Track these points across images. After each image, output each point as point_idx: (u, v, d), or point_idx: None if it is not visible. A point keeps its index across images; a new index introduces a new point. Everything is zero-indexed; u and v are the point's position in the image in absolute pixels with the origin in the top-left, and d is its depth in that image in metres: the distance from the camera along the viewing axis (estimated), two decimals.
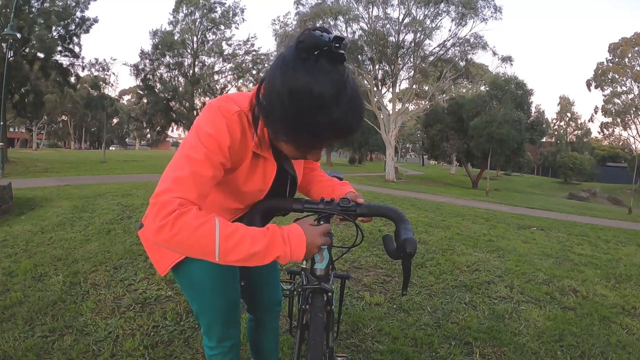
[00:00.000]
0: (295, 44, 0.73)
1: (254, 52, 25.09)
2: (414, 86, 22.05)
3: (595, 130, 61.67)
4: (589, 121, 48.97)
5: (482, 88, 23.53)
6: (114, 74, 57.71)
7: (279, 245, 0.77)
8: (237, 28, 63.50)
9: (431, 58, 19.72)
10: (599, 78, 32.75)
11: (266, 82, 0.77)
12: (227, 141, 0.81)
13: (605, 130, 37.90)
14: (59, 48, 17.30)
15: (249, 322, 1.37)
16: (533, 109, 23.56)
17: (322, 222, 0.94)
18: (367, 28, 19.18)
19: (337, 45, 0.71)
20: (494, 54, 20.10)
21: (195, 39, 24.50)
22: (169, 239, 0.72)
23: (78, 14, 17.35)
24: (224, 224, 0.75)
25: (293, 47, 0.73)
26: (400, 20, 19.00)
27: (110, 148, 47.97)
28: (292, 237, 0.80)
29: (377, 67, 19.84)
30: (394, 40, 19.12)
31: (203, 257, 0.74)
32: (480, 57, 38.87)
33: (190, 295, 1.08)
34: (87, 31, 17.82)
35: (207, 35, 24.74)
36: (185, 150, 0.79)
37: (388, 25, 19.19)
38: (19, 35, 13.44)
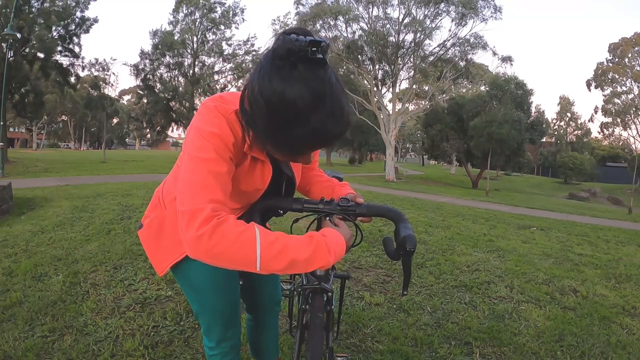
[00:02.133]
0: (272, 50, 0.70)
1: (254, 52, 25.08)
2: (414, 86, 22.05)
3: (595, 130, 61.73)
4: (589, 121, 48.99)
5: (482, 88, 23.52)
6: (114, 74, 57.70)
7: (324, 254, 0.75)
8: (237, 28, 63.57)
9: (431, 58, 19.72)
10: (599, 78, 32.75)
11: (248, 90, 0.74)
12: (231, 138, 0.80)
13: (605, 130, 37.91)
14: (59, 48, 17.32)
15: (248, 322, 1.37)
16: (533, 109, 23.56)
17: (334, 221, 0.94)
18: (367, 28, 19.19)
19: (314, 49, 0.66)
20: (494, 54, 20.12)
21: (195, 39, 24.51)
22: (209, 250, 0.68)
23: (78, 14, 17.39)
24: (263, 232, 0.72)
25: (270, 54, 0.71)
26: (400, 20, 19.01)
27: (112, 148, 48.00)
28: (335, 246, 0.77)
29: (377, 67, 19.84)
30: (394, 40, 19.12)
31: (243, 267, 0.71)
32: (480, 57, 38.95)
33: (191, 296, 1.08)
34: (87, 31, 17.84)
35: (207, 35, 24.76)
36: (194, 154, 0.76)
37: (388, 25, 19.20)
38: (19, 35, 13.44)
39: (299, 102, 0.67)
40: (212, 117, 0.79)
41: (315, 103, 0.68)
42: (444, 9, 18.31)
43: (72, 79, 19.51)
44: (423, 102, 26.31)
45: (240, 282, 0.98)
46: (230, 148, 0.79)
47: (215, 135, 0.77)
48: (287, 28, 0.74)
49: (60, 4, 16.47)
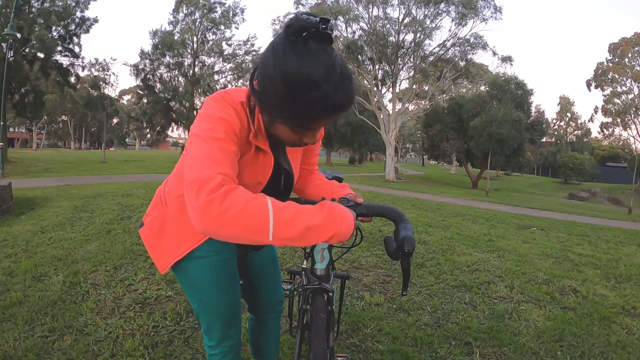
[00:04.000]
0: (284, 29, 0.75)
1: (254, 52, 25.06)
2: (414, 86, 22.05)
3: (595, 130, 61.71)
4: (589, 121, 48.92)
5: (482, 88, 23.50)
6: (114, 74, 57.75)
7: (337, 221, 0.74)
8: (237, 28, 63.52)
9: (431, 58, 19.71)
10: (599, 78, 32.74)
11: (259, 70, 0.78)
12: (238, 125, 0.82)
13: (605, 130, 37.89)
14: (59, 48, 17.33)
15: (249, 322, 1.37)
16: (533, 109, 23.55)
17: None
18: (367, 28, 19.18)
19: (323, 26, 0.73)
20: (494, 54, 20.15)
21: (195, 39, 24.49)
22: (218, 216, 0.66)
23: (78, 14, 17.40)
24: (274, 200, 0.72)
25: (282, 32, 0.75)
26: (400, 20, 19.00)
27: (111, 148, 47.96)
28: (344, 215, 0.76)
29: (377, 67, 19.83)
30: (394, 40, 19.12)
31: (254, 236, 0.69)
32: (480, 57, 38.97)
33: (191, 294, 1.09)
34: (87, 31, 17.85)
35: (207, 35, 24.73)
36: (203, 134, 0.77)
37: (388, 25, 19.19)
38: (19, 35, 13.45)
39: (313, 72, 0.72)
40: (220, 105, 0.82)
41: (327, 74, 0.73)
42: (444, 9, 18.31)
43: (72, 79, 19.54)
44: (423, 102, 26.32)
45: (241, 282, 0.98)
46: (237, 134, 0.82)
47: (224, 120, 0.80)
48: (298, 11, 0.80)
49: (60, 4, 16.47)
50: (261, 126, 0.88)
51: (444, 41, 19.25)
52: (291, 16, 0.76)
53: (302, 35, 0.72)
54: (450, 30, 28.75)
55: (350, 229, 0.77)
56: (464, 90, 25.38)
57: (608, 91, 33.11)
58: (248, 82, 0.85)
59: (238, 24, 24.94)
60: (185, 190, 0.71)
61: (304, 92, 0.73)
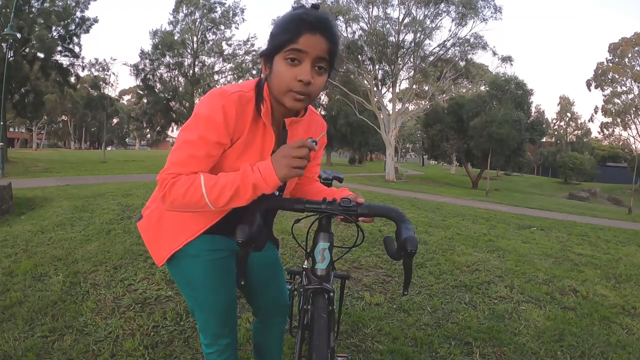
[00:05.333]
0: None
1: (254, 52, 25.08)
2: (414, 86, 22.05)
3: (595, 130, 61.68)
4: (589, 121, 48.93)
5: (482, 88, 23.52)
6: (114, 74, 57.67)
7: (250, 175, 0.87)
8: (237, 28, 63.50)
9: (431, 58, 19.71)
10: (599, 78, 32.74)
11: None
12: (221, 118, 0.89)
13: (605, 130, 37.90)
14: (59, 48, 17.33)
15: (255, 324, 1.36)
16: (533, 109, 23.60)
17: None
18: (367, 28, 19.19)
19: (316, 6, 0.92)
20: (494, 54, 20.12)
21: (195, 39, 24.51)
22: (171, 203, 0.90)
23: (78, 14, 17.40)
24: (207, 178, 0.88)
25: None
26: (400, 20, 19.00)
27: (111, 148, 47.97)
28: (260, 166, 0.88)
29: (377, 67, 19.83)
30: (394, 40, 19.12)
31: (201, 209, 0.90)
32: (480, 57, 38.97)
33: (186, 291, 1.10)
34: (87, 31, 17.85)
35: (207, 35, 24.76)
36: (182, 135, 0.92)
37: (388, 25, 19.20)
38: (19, 35, 13.45)
39: (304, 8, 0.92)
40: (209, 101, 0.91)
41: (312, 9, 0.92)
42: (444, 9, 18.31)
43: (72, 79, 19.54)
44: (423, 102, 26.33)
45: (242, 282, 0.98)
46: (220, 130, 0.90)
47: (205, 118, 0.89)
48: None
49: (60, 4, 16.47)
50: (268, 106, 0.95)
51: (444, 41, 19.28)
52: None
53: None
54: (450, 30, 28.79)
55: (270, 170, 0.87)
56: (464, 90, 25.39)
57: (608, 91, 33.13)
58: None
59: (238, 24, 25.00)
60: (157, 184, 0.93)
61: (288, 14, 0.90)
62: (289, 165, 0.85)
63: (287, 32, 0.87)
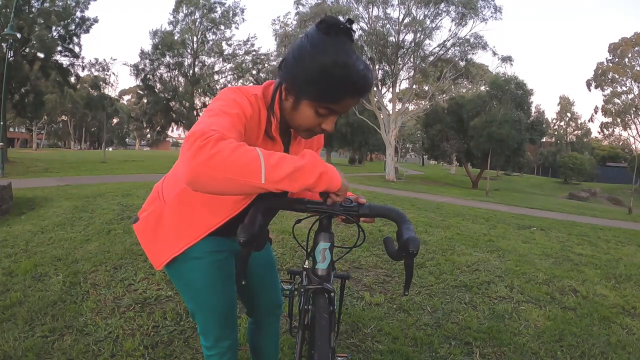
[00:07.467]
0: (317, 25, 0.85)
1: (254, 52, 25.12)
2: (414, 86, 22.04)
3: (595, 130, 61.68)
4: (589, 121, 48.89)
5: (482, 88, 23.52)
6: (114, 74, 57.68)
7: (318, 162, 0.77)
8: (237, 28, 63.53)
9: (431, 58, 19.71)
10: (599, 78, 32.73)
11: (291, 57, 0.86)
12: (249, 111, 0.86)
13: (605, 130, 37.91)
14: (59, 48, 17.33)
15: (249, 325, 1.36)
16: (533, 109, 23.54)
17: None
18: (367, 28, 19.17)
19: (349, 25, 0.84)
20: (494, 54, 20.12)
21: (195, 39, 24.52)
22: (209, 159, 0.66)
23: (78, 14, 17.40)
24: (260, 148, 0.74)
25: (314, 27, 0.85)
26: (400, 20, 19.00)
27: (109, 149, 47.97)
28: (327, 164, 0.80)
29: (377, 67, 19.82)
30: (394, 40, 19.11)
31: (247, 178, 0.68)
32: (480, 57, 38.95)
33: (186, 294, 1.09)
34: (87, 31, 17.85)
35: (207, 35, 24.79)
36: (217, 108, 0.81)
37: (388, 25, 19.19)
38: (19, 35, 13.45)
39: (346, 56, 0.82)
40: (235, 94, 0.87)
41: (357, 60, 0.84)
42: (444, 9, 18.31)
43: (72, 79, 19.54)
44: (423, 102, 26.31)
45: (243, 283, 0.97)
46: (248, 120, 0.86)
47: (238, 104, 0.85)
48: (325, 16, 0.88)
49: (60, 4, 16.47)
50: (277, 118, 0.93)
51: (444, 41, 19.27)
52: (323, 18, 0.85)
53: (334, 30, 0.83)
54: (450, 30, 28.81)
55: (337, 176, 0.80)
56: (464, 90, 25.39)
57: (608, 91, 33.12)
58: (265, 87, 0.94)
59: (238, 24, 25.04)
60: (185, 141, 0.71)
61: (336, 70, 0.81)
62: (345, 191, 0.83)
63: (330, 91, 0.84)
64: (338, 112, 0.88)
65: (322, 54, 0.81)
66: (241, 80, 25.54)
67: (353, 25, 0.86)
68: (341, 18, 0.87)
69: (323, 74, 0.82)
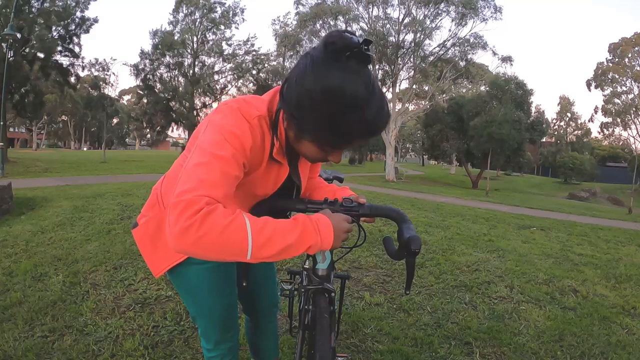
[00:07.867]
0: (324, 44, 0.73)
1: (254, 52, 25.11)
2: (414, 86, 22.05)
3: (595, 130, 61.60)
4: (589, 121, 48.84)
5: (482, 88, 23.52)
6: (114, 74, 57.69)
7: (312, 235, 0.75)
8: (237, 28, 63.48)
9: (431, 58, 19.72)
10: (599, 78, 32.73)
11: (293, 82, 0.76)
12: (250, 143, 0.79)
13: (605, 130, 37.89)
14: (59, 48, 17.33)
15: (246, 324, 1.37)
16: (533, 109, 23.59)
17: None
18: (367, 28, 19.19)
19: (365, 47, 0.72)
20: (494, 54, 20.16)
21: (195, 39, 24.52)
22: (196, 241, 0.65)
23: (78, 14, 17.39)
24: (252, 219, 0.70)
25: (321, 47, 0.73)
26: (400, 20, 19.02)
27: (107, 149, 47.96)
28: (321, 225, 0.77)
29: (377, 67, 19.83)
30: (394, 40, 19.13)
31: (233, 257, 0.69)
32: (480, 57, 38.95)
33: (187, 298, 1.08)
34: (87, 31, 17.85)
35: (207, 35, 24.79)
36: (210, 148, 0.74)
37: (388, 25, 19.23)
38: (19, 35, 13.43)
39: (355, 92, 0.71)
40: (235, 118, 0.79)
41: (368, 95, 0.73)
42: (444, 9, 18.34)
43: (72, 79, 19.52)
44: (423, 102, 26.30)
45: (244, 284, 0.96)
46: (247, 153, 0.79)
47: (236, 137, 0.77)
48: (335, 29, 0.77)
49: (60, 4, 16.47)
50: (282, 140, 0.87)
51: (444, 41, 19.32)
52: (333, 32, 0.73)
53: (345, 54, 0.71)
54: (450, 30, 28.78)
55: (330, 235, 0.77)
56: (464, 90, 25.39)
57: (608, 91, 33.12)
58: (271, 98, 0.85)
59: (238, 24, 25.04)
60: (169, 206, 0.68)
61: (346, 112, 0.72)
62: (341, 239, 0.81)
63: (336, 140, 0.77)
64: (348, 148, 0.85)
65: (330, 85, 0.70)
66: (241, 81, 25.56)
67: (370, 46, 0.73)
68: (340, 18, 0.80)
69: (329, 115, 0.73)
